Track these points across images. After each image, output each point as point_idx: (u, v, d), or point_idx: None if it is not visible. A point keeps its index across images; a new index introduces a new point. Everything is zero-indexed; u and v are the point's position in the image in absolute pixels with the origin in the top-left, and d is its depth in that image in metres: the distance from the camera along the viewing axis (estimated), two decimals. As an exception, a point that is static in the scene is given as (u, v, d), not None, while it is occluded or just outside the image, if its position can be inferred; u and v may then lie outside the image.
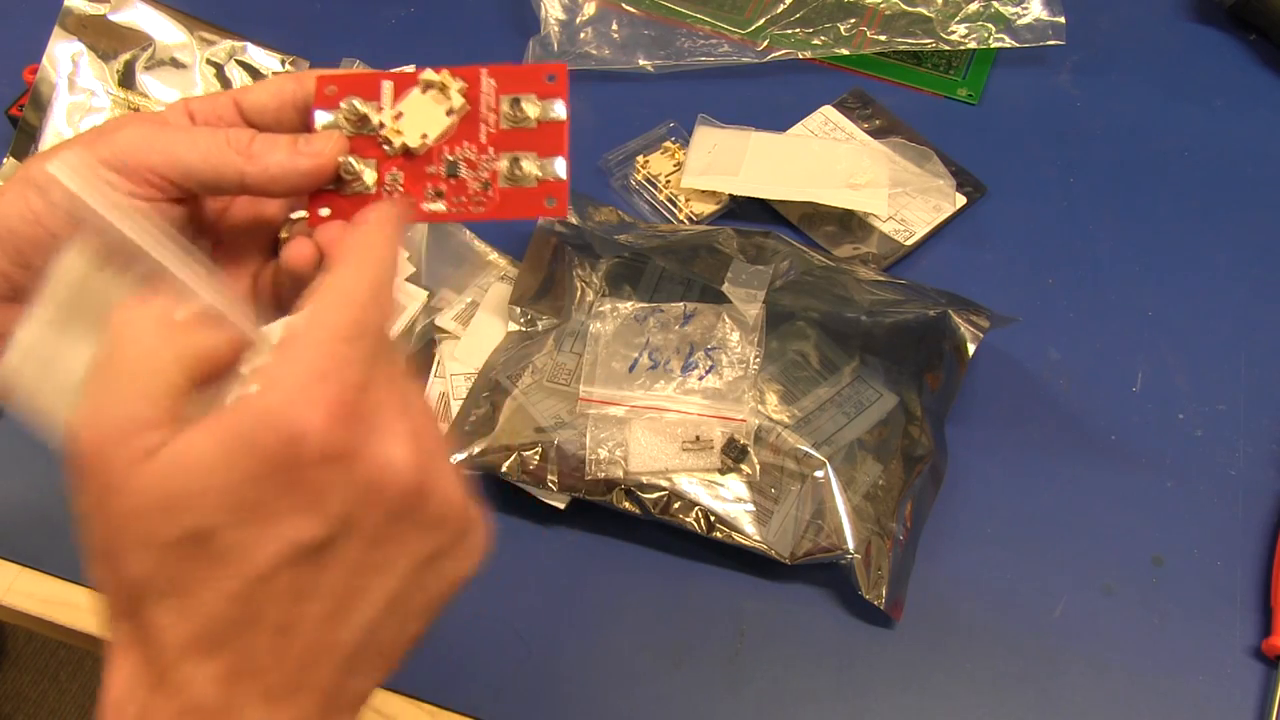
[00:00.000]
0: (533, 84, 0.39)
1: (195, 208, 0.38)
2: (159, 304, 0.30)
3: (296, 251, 0.38)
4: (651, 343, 0.60)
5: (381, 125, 0.38)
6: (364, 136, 0.39)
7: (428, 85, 0.39)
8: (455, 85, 0.38)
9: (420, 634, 0.32)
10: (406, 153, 0.38)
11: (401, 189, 0.39)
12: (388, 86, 0.39)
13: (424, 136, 0.38)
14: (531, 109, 0.39)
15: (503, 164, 0.39)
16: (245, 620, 0.28)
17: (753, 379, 0.59)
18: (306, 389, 0.28)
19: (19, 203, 0.34)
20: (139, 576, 0.28)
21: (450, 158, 0.39)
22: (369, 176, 0.38)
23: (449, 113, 0.39)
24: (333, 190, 0.38)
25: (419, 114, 0.39)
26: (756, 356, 0.60)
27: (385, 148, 0.39)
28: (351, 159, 0.38)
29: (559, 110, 0.39)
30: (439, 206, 0.39)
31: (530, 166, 0.38)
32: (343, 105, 0.38)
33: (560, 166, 0.39)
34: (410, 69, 0.39)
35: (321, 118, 0.39)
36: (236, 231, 0.40)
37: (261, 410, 0.28)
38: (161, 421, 0.28)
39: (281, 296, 0.40)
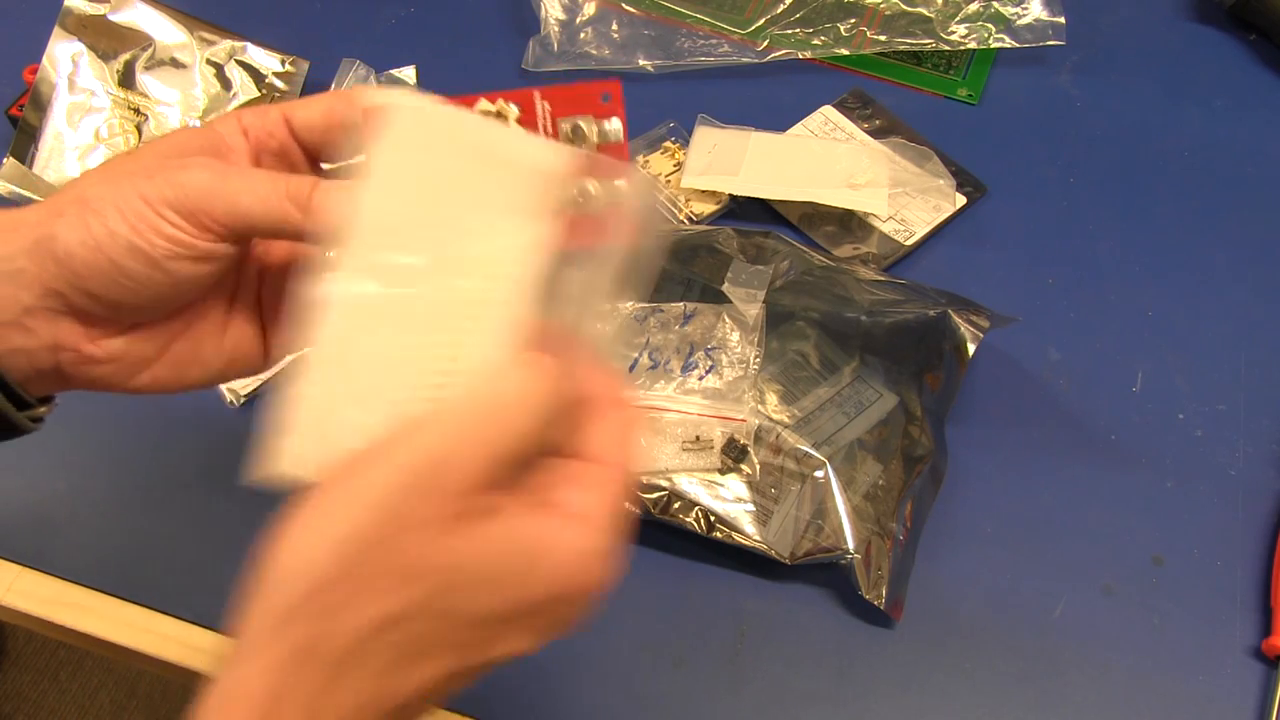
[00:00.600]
0: (588, 104, 0.38)
1: (246, 245, 0.38)
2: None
3: None
4: (651, 342, 0.60)
5: None
6: None
7: (484, 114, 0.37)
8: (512, 113, 0.37)
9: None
10: None
11: None
12: None
13: None
14: (590, 130, 0.37)
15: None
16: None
17: (753, 379, 0.59)
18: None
19: (80, 228, 0.34)
20: (381, 614, 0.30)
21: None
22: None
23: None
24: None
25: None
26: (756, 356, 0.60)
27: None
28: None
29: (617, 129, 0.38)
30: None
31: (596, 191, 0.36)
32: None
33: (623, 187, 0.37)
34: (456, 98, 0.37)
35: None
36: (285, 253, 0.41)
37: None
38: (484, 488, 0.31)
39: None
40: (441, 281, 0.33)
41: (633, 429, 0.35)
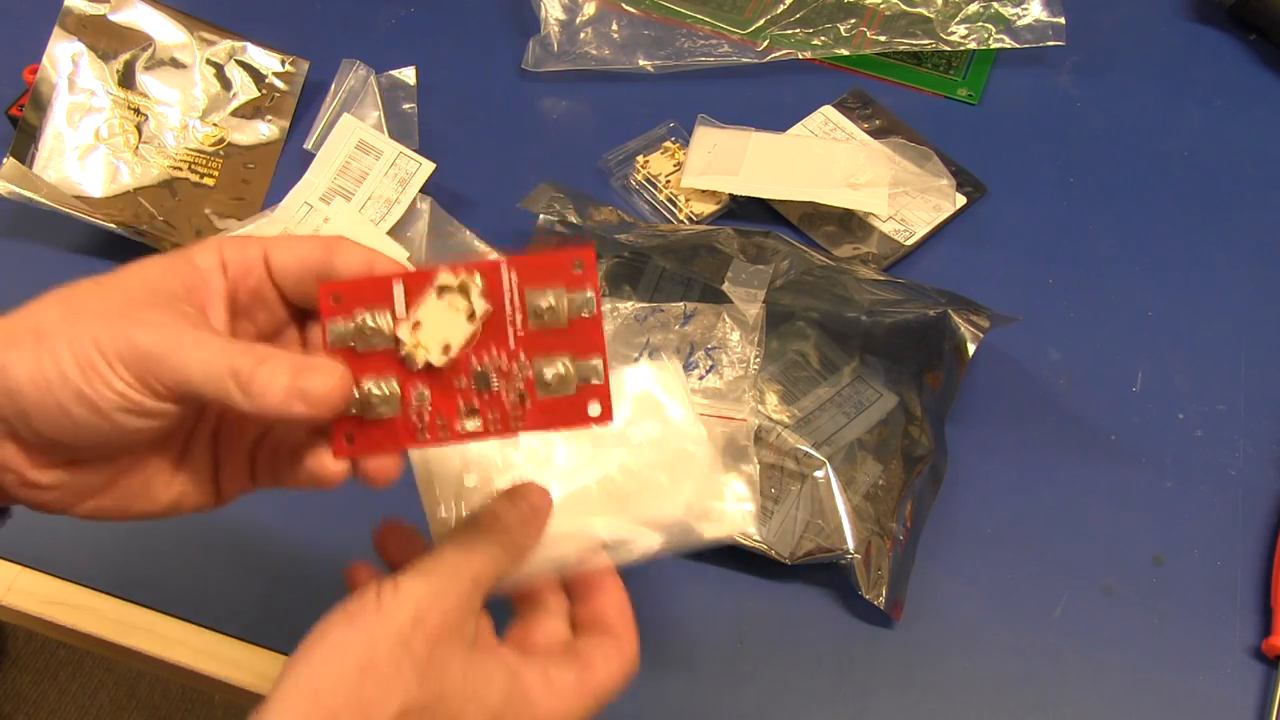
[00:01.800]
0: (558, 274, 0.36)
1: (200, 407, 0.38)
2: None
3: (324, 467, 0.37)
4: (651, 342, 0.60)
5: (398, 342, 0.35)
6: (378, 353, 0.36)
7: (444, 289, 0.35)
8: (476, 287, 0.35)
9: None
10: (429, 368, 0.36)
11: (429, 410, 0.36)
12: (399, 290, 0.36)
13: (446, 348, 0.35)
14: (561, 305, 0.35)
15: (537, 371, 0.36)
16: None
17: (753, 379, 0.59)
18: None
19: (31, 365, 0.34)
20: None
21: (479, 369, 0.36)
22: (392, 404, 0.36)
23: (470, 317, 0.35)
24: (356, 416, 0.36)
25: (438, 321, 0.35)
26: (756, 356, 0.60)
27: (408, 364, 0.36)
28: (371, 385, 0.35)
29: (590, 303, 0.36)
30: (475, 425, 0.36)
31: (568, 371, 0.35)
32: (355, 320, 0.35)
33: (599, 367, 0.36)
34: (409, 267, 0.36)
35: (333, 330, 0.36)
36: (234, 426, 0.40)
37: None
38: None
39: (279, 476, 0.40)
40: None
41: (628, 654, 0.41)
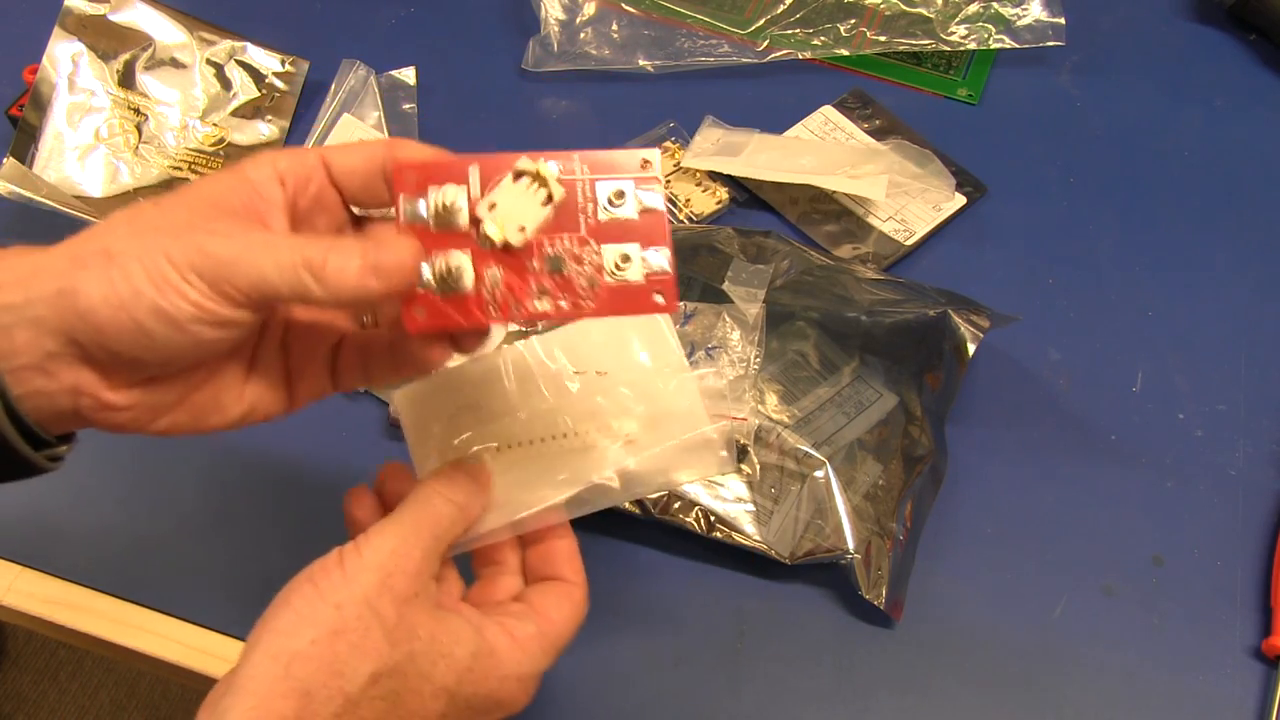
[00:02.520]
0: (628, 169, 0.37)
1: (270, 314, 0.39)
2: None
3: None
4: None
5: (475, 221, 0.36)
6: (452, 232, 0.36)
7: (520, 174, 0.36)
8: (554, 173, 0.36)
9: None
10: (505, 247, 0.36)
11: (503, 289, 0.36)
12: (474, 171, 0.37)
13: (522, 229, 0.36)
14: (631, 197, 0.37)
15: (607, 257, 0.37)
16: None
17: (753, 378, 0.59)
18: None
19: (104, 284, 0.34)
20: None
21: (552, 253, 0.37)
22: (467, 277, 0.36)
23: (546, 201, 0.36)
24: (428, 291, 0.36)
25: (514, 204, 0.36)
26: (757, 356, 0.60)
27: (483, 242, 0.36)
28: (450, 261, 0.36)
29: (657, 199, 0.37)
30: (545, 305, 0.37)
31: (636, 259, 0.37)
32: (432, 199, 0.36)
33: (665, 258, 0.37)
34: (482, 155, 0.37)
35: (407, 207, 0.36)
36: (303, 332, 0.41)
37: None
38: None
39: (372, 372, 0.41)
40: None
41: (579, 604, 0.43)
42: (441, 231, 0.36)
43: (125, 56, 0.72)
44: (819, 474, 0.57)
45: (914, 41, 0.77)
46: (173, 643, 0.56)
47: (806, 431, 0.58)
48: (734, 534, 0.56)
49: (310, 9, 0.81)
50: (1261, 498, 0.60)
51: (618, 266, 0.37)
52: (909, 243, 0.68)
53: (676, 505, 0.56)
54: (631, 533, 0.58)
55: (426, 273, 0.36)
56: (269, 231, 0.37)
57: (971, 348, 0.60)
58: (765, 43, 0.77)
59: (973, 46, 0.77)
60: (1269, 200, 0.72)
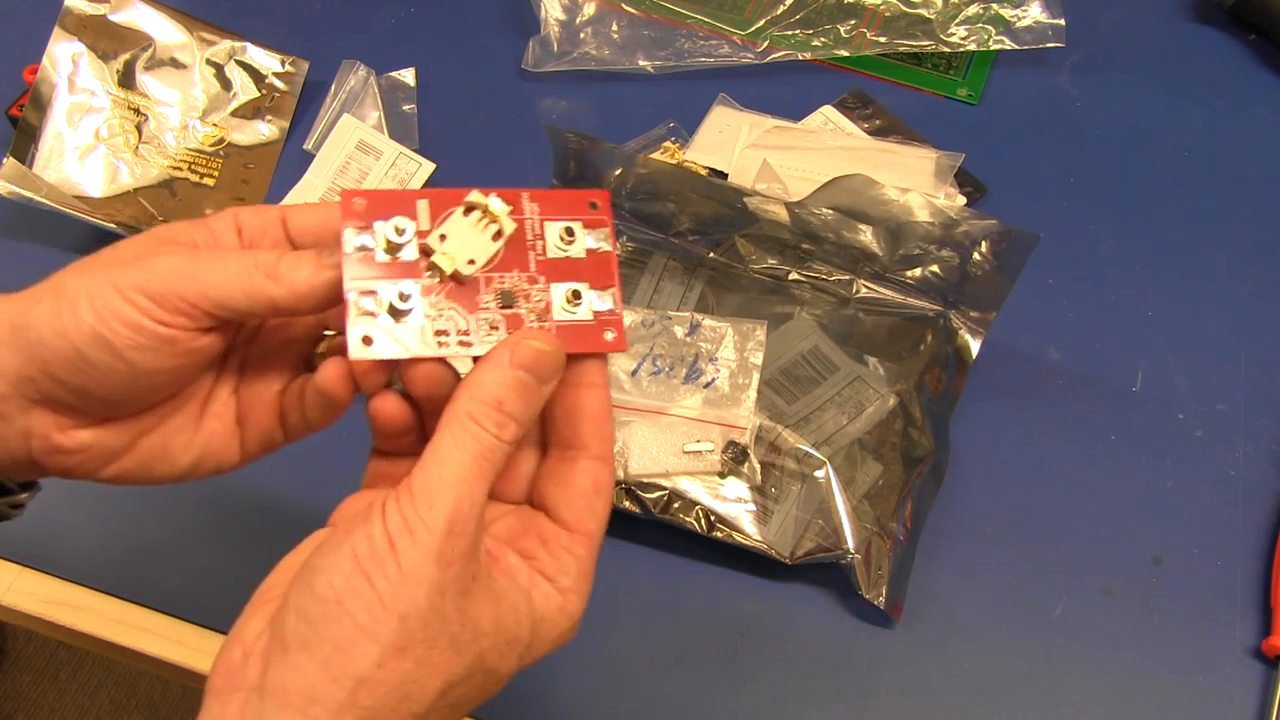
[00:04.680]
0: (577, 210, 0.37)
1: (226, 333, 0.37)
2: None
3: (331, 374, 0.37)
4: (655, 349, 0.60)
5: (425, 252, 0.35)
6: (399, 263, 0.35)
7: (471, 208, 0.36)
8: (504, 209, 0.36)
9: None
10: (455, 279, 0.36)
11: (449, 319, 0.36)
12: (423, 206, 0.36)
13: (471, 262, 0.36)
14: (580, 237, 0.37)
15: (555, 296, 0.37)
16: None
17: (756, 386, 0.59)
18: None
19: (52, 317, 0.34)
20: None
21: (503, 287, 0.36)
22: (419, 308, 0.35)
23: (496, 236, 0.36)
24: (373, 318, 0.35)
25: (464, 237, 0.36)
26: (759, 369, 0.60)
27: (429, 274, 0.35)
28: (400, 290, 0.35)
29: (605, 237, 0.37)
30: (494, 340, 0.36)
31: (586, 299, 0.37)
32: (380, 231, 0.35)
33: (613, 299, 0.37)
34: (417, 189, 0.37)
35: (351, 238, 0.35)
36: (265, 352, 0.40)
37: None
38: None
39: (308, 415, 0.40)
40: None
41: (607, 490, 0.38)
42: (386, 262, 0.36)
43: (125, 56, 0.72)
44: (819, 474, 0.57)
45: (914, 43, 0.77)
46: (173, 643, 0.56)
47: (806, 431, 0.58)
48: (734, 534, 0.56)
49: (310, 9, 0.81)
50: (1261, 498, 0.60)
51: (567, 303, 0.37)
52: (909, 243, 0.68)
53: (676, 505, 0.56)
54: (631, 533, 0.58)
55: (373, 303, 0.35)
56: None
57: (974, 347, 0.60)
58: (765, 43, 0.77)
59: (972, 48, 0.77)
60: (1269, 200, 0.72)
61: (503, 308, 0.36)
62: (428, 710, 0.33)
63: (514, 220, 0.36)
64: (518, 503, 0.39)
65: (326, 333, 0.40)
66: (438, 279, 0.36)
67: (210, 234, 0.38)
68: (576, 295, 0.37)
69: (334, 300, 0.36)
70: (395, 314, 0.35)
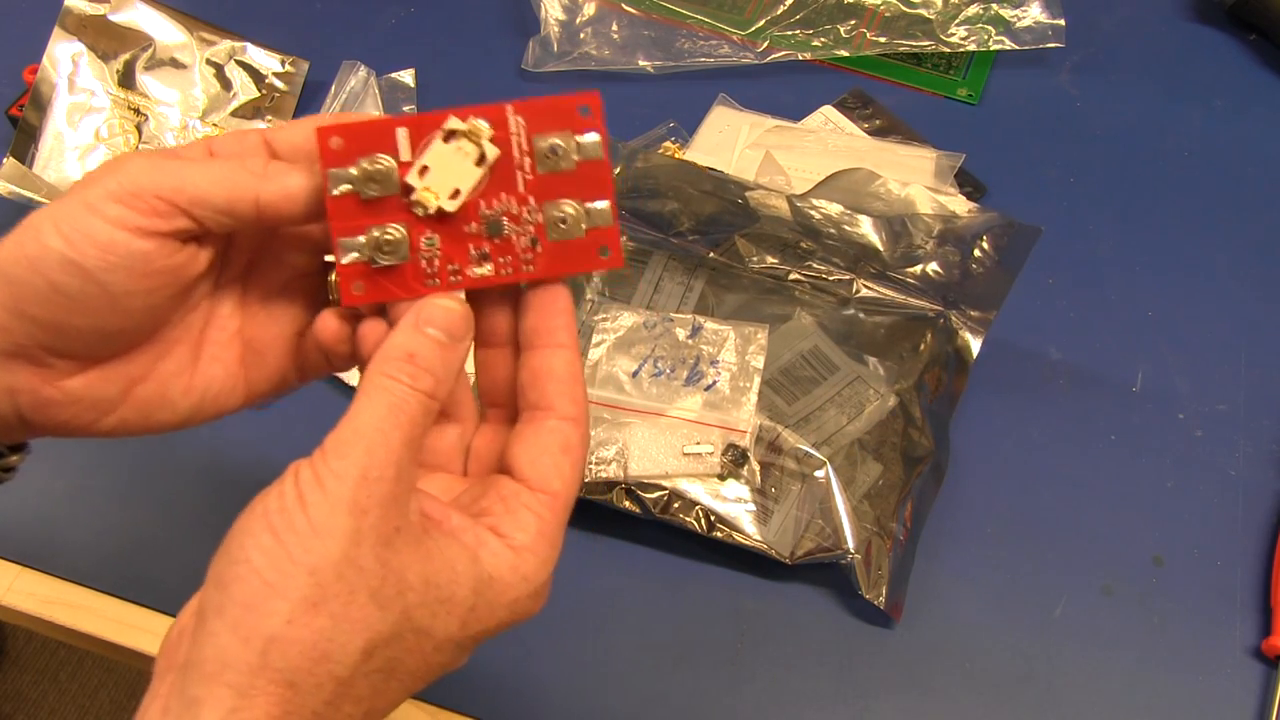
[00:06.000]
0: (566, 119, 0.36)
1: (204, 253, 0.36)
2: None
3: (325, 326, 0.36)
4: (656, 351, 0.60)
5: (406, 189, 0.34)
6: (383, 200, 0.34)
7: (451, 134, 0.35)
8: (485, 132, 0.35)
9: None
10: (440, 214, 0.35)
11: (440, 255, 0.35)
12: (403, 134, 0.35)
13: (456, 193, 0.35)
14: (570, 147, 0.35)
15: (547, 214, 0.35)
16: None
17: (757, 389, 0.59)
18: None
19: (16, 248, 0.33)
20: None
21: (489, 214, 0.35)
22: (403, 248, 0.35)
23: (479, 162, 0.35)
24: (365, 263, 0.35)
25: (446, 166, 0.35)
26: (760, 373, 0.60)
27: (416, 210, 0.35)
28: (379, 232, 0.34)
29: (597, 146, 0.36)
30: (486, 270, 0.35)
31: (577, 213, 0.35)
32: (361, 164, 0.34)
33: (606, 209, 0.35)
34: (408, 110, 0.36)
35: (336, 179, 0.34)
36: (269, 292, 0.39)
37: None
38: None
39: (330, 357, 0.38)
40: None
41: (577, 451, 0.35)
42: (371, 200, 0.34)
43: (125, 56, 0.72)
44: (819, 474, 0.57)
45: (914, 43, 0.77)
46: (173, 643, 0.56)
47: (806, 431, 0.58)
48: (734, 534, 0.56)
49: (310, 9, 0.81)
50: (1261, 498, 0.60)
51: (560, 223, 0.35)
52: (909, 243, 0.68)
53: (676, 505, 0.56)
54: (631, 533, 0.58)
55: (360, 248, 0.35)
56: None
57: (974, 347, 0.60)
58: (765, 43, 0.77)
59: (972, 48, 0.77)
60: (1269, 200, 0.72)
61: (490, 235, 0.35)
62: (352, 674, 0.31)
63: (498, 144, 0.35)
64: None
65: (328, 259, 0.38)
66: (422, 214, 0.35)
67: (190, 153, 0.36)
68: (568, 212, 0.35)
69: (322, 211, 0.35)
70: (383, 255, 0.35)
